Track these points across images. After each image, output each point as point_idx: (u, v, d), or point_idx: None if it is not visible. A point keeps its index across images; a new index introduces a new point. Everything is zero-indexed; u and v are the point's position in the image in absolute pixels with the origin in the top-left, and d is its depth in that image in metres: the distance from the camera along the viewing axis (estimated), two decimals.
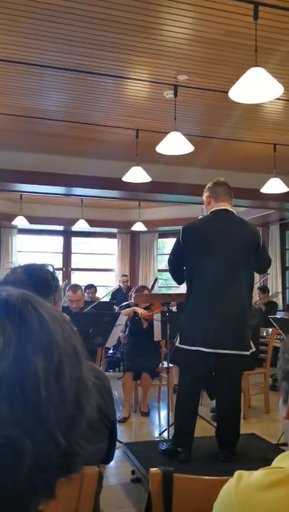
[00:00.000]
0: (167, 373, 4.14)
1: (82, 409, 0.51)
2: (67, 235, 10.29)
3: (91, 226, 8.54)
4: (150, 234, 10.08)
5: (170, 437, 3.55)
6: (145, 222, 8.63)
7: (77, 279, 9.85)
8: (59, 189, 6.57)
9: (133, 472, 3.28)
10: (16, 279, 1.34)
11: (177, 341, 3.15)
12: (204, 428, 3.86)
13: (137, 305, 5.30)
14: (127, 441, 3.83)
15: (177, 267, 3.32)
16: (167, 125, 4.62)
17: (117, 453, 3.59)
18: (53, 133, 5.40)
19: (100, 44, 3.51)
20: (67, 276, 10.08)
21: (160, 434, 4.36)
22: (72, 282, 7.30)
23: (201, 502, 0.94)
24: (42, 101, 4.57)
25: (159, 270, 10.35)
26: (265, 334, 5.47)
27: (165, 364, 4.79)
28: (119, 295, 8.11)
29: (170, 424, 3.81)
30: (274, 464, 0.78)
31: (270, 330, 5.15)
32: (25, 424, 0.45)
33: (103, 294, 8.29)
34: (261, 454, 3.11)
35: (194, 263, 3.13)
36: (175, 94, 4.23)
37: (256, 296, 7.42)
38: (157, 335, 4.60)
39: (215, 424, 3.35)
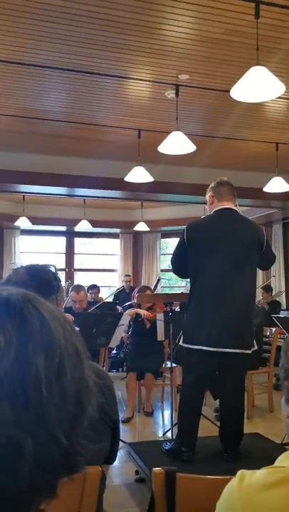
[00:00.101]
0: (171, 373, 4.14)
1: (83, 409, 0.51)
2: (70, 235, 10.30)
3: (94, 226, 8.54)
4: (153, 234, 10.08)
5: (174, 437, 3.55)
6: (148, 222, 8.62)
7: (80, 279, 9.86)
8: (61, 190, 6.58)
9: (137, 472, 3.28)
10: (18, 279, 1.34)
11: (180, 341, 3.15)
12: (208, 428, 3.86)
13: (139, 305, 5.29)
14: (130, 441, 3.83)
15: (180, 266, 3.32)
16: (169, 125, 4.62)
17: (121, 453, 3.59)
18: (55, 133, 5.41)
19: (101, 44, 3.51)
20: (70, 276, 10.09)
21: (164, 434, 4.35)
22: (75, 283, 7.30)
23: (204, 501, 0.94)
24: (43, 102, 4.57)
25: (162, 270, 10.35)
26: (268, 333, 5.46)
27: (168, 364, 4.78)
28: (122, 295, 8.11)
29: (174, 424, 3.81)
30: (277, 463, 0.78)
31: (274, 329, 5.14)
32: (26, 424, 0.45)
33: (106, 295, 8.30)
34: (265, 454, 3.10)
35: (198, 262, 3.12)
36: (177, 94, 4.23)
37: (259, 295, 7.41)
38: (160, 335, 4.60)
39: (218, 423, 3.34)
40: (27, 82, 4.15)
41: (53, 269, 1.45)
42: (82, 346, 0.54)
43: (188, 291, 3.35)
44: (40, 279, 1.37)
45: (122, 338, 5.15)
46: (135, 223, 8.64)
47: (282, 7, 3.05)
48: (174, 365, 4.30)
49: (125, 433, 4.26)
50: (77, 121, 5.02)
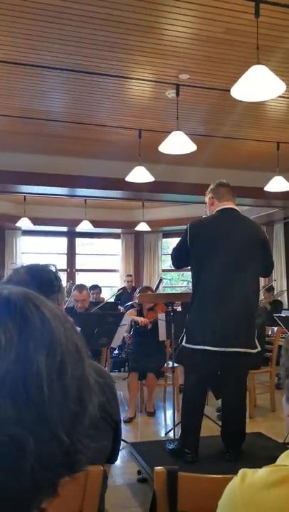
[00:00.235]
0: (172, 373, 4.14)
1: (84, 407, 0.51)
2: (72, 235, 10.31)
3: (95, 227, 8.54)
4: (154, 234, 10.08)
5: (176, 437, 3.55)
6: (149, 223, 8.62)
7: (82, 279, 9.86)
8: (62, 190, 6.58)
9: (139, 472, 3.28)
10: (19, 279, 1.34)
11: (183, 341, 3.15)
12: (210, 427, 3.86)
13: (141, 305, 5.29)
14: (132, 441, 3.83)
15: (180, 261, 3.35)
16: (170, 124, 4.62)
17: (123, 453, 3.59)
18: (56, 134, 5.42)
19: (101, 44, 3.51)
20: (71, 277, 10.09)
21: (166, 434, 4.35)
22: (77, 283, 7.31)
23: (205, 500, 0.94)
24: (45, 102, 4.58)
25: (164, 270, 10.35)
26: (270, 333, 5.46)
27: (170, 364, 4.78)
28: (124, 295, 8.12)
29: (176, 423, 3.81)
30: (278, 461, 0.78)
31: (276, 329, 5.14)
32: (28, 423, 0.45)
33: (108, 295, 8.30)
34: (267, 453, 3.10)
35: (201, 262, 3.12)
36: (177, 94, 4.23)
37: (261, 295, 7.40)
38: (162, 335, 4.60)
39: (220, 423, 3.34)
40: (28, 83, 4.15)
41: (54, 269, 1.45)
42: (83, 345, 0.54)
43: (190, 291, 3.35)
44: (41, 278, 1.37)
45: (123, 338, 5.15)
46: (136, 223, 8.64)
47: (282, 6, 3.04)
48: (175, 364, 4.30)
49: (127, 433, 4.27)
50: (78, 122, 5.02)
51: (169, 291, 10.32)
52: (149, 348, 5.02)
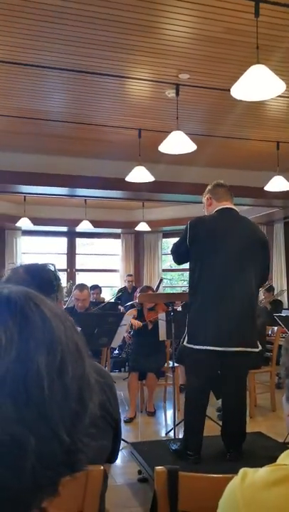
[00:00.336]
0: (173, 373, 4.14)
1: (85, 406, 0.51)
2: (72, 235, 10.31)
3: (95, 227, 8.54)
4: (154, 234, 10.08)
5: (176, 436, 3.54)
6: (149, 222, 8.62)
7: (82, 280, 9.85)
8: (62, 190, 6.58)
9: (140, 472, 3.28)
10: (18, 279, 1.34)
11: (185, 341, 3.14)
12: (211, 427, 3.85)
13: (141, 305, 5.29)
14: (133, 441, 3.83)
15: (180, 257, 3.35)
16: (169, 124, 4.62)
17: (124, 453, 3.59)
18: (56, 134, 5.41)
19: (101, 44, 3.51)
20: (71, 277, 10.10)
21: (166, 434, 4.35)
22: (77, 283, 7.31)
23: (206, 500, 0.94)
24: (44, 102, 4.58)
25: (164, 270, 10.35)
26: (270, 333, 5.46)
27: (171, 364, 4.78)
28: (124, 295, 8.12)
29: (176, 423, 3.81)
30: (279, 461, 0.78)
31: (276, 328, 5.14)
32: (28, 422, 0.45)
33: (108, 295, 8.30)
34: (267, 453, 3.10)
35: (200, 262, 3.12)
36: (177, 93, 4.23)
37: (261, 295, 7.40)
38: (162, 335, 4.59)
39: (221, 423, 3.34)
40: (27, 83, 4.15)
41: (53, 268, 1.44)
42: (83, 344, 0.54)
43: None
44: (41, 278, 1.37)
45: (124, 338, 5.16)
46: (136, 223, 8.64)
47: (281, 5, 3.04)
48: (176, 364, 4.30)
49: (128, 433, 4.27)
50: (78, 122, 5.02)
51: (169, 291, 10.32)
52: (149, 348, 5.02)
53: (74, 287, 4.87)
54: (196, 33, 3.39)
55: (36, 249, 10.19)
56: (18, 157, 5.89)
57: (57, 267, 1.52)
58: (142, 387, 5.14)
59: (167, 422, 4.83)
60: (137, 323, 5.11)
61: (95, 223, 8.53)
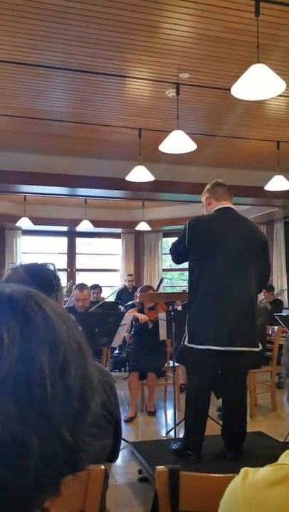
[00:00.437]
0: (173, 372, 4.14)
1: (87, 406, 0.51)
2: (72, 235, 10.31)
3: (95, 226, 8.54)
4: (154, 233, 10.08)
5: (177, 436, 3.54)
6: (149, 222, 8.62)
7: (82, 279, 9.85)
8: (62, 190, 6.58)
9: (140, 471, 3.28)
10: (18, 278, 1.34)
11: (185, 340, 3.14)
12: (211, 427, 3.85)
13: (142, 305, 5.29)
14: (133, 440, 3.83)
15: (179, 257, 3.35)
16: (170, 124, 4.62)
17: (124, 452, 3.59)
18: (56, 134, 5.41)
19: (101, 43, 3.51)
20: (72, 277, 10.09)
21: (167, 434, 4.35)
22: (78, 283, 7.31)
23: (207, 500, 0.94)
24: (45, 102, 4.58)
25: (164, 270, 10.35)
26: (270, 332, 5.46)
27: (171, 363, 4.78)
28: (124, 295, 8.12)
29: (177, 423, 3.81)
30: (280, 460, 0.78)
31: (276, 328, 5.14)
32: (31, 421, 0.44)
33: (108, 294, 8.29)
34: (268, 452, 3.10)
35: (200, 262, 3.11)
36: (177, 93, 4.23)
37: (261, 294, 7.40)
38: (163, 334, 4.59)
39: (221, 422, 3.34)
40: (29, 83, 4.15)
41: (52, 268, 1.44)
42: (85, 343, 0.54)
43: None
44: (41, 278, 1.37)
45: (124, 337, 5.16)
46: (137, 223, 8.64)
47: (282, 4, 3.04)
48: (176, 364, 4.30)
49: (128, 432, 4.27)
50: (79, 121, 5.02)
51: (169, 290, 10.32)
52: (149, 348, 5.02)
53: (74, 287, 4.87)
54: (197, 33, 3.39)
55: (36, 248, 10.19)
56: (18, 157, 5.89)
57: (57, 267, 1.52)
58: (142, 386, 5.14)
59: (167, 422, 4.83)
60: (143, 317, 5.11)
61: (95, 223, 8.53)
